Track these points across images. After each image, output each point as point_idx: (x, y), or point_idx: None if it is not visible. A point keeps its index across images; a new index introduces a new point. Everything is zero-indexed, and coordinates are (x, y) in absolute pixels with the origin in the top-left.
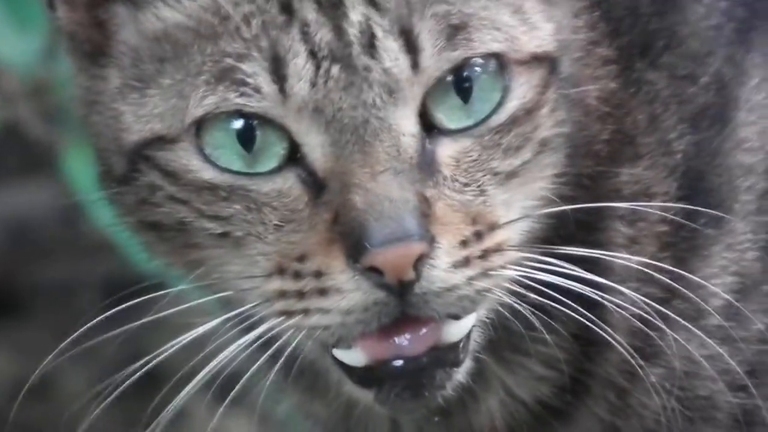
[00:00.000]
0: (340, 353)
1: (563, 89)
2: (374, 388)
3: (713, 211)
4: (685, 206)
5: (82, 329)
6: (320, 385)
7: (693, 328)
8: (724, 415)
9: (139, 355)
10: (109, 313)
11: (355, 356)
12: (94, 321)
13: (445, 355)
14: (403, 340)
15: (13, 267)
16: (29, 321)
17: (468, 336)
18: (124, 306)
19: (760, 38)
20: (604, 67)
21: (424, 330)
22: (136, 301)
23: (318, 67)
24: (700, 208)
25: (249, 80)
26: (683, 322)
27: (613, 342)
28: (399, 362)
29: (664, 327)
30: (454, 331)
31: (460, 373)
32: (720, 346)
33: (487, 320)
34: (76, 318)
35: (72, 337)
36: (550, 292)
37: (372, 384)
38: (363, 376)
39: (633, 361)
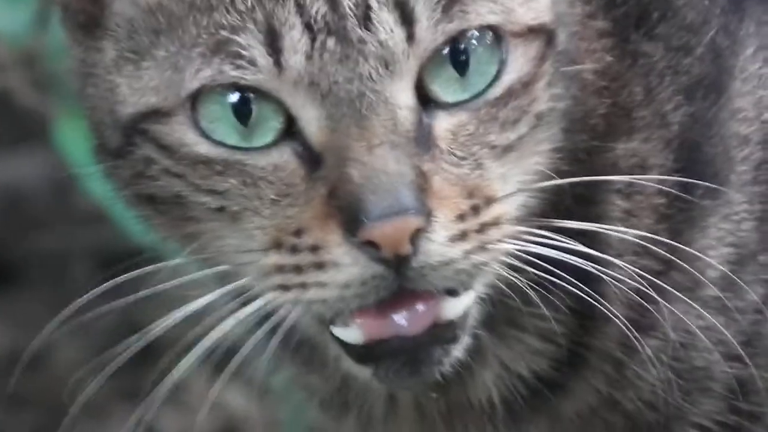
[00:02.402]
0: (338, 330)
1: (560, 64)
2: (372, 364)
3: (708, 183)
4: (681, 179)
5: (80, 301)
6: (317, 359)
7: (689, 300)
8: (720, 386)
9: (135, 327)
10: (106, 285)
11: (353, 334)
12: (92, 293)
13: (444, 333)
14: (401, 318)
15: (5, 237)
16: (22, 292)
17: (466, 313)
18: (121, 278)
19: (753, 7)
20: (600, 40)
21: (421, 307)
22: (133, 273)
23: (313, 40)
24: (695, 181)
25: (244, 53)
26: (680, 293)
27: (610, 315)
28: (397, 338)
29: (660, 299)
30: (453, 308)
31: (458, 350)
32: (716, 317)
33: (485, 296)
34: (69, 289)
35: (70, 309)
36: (548, 266)
37: (370, 361)
38: (361, 353)
39: (630, 334)
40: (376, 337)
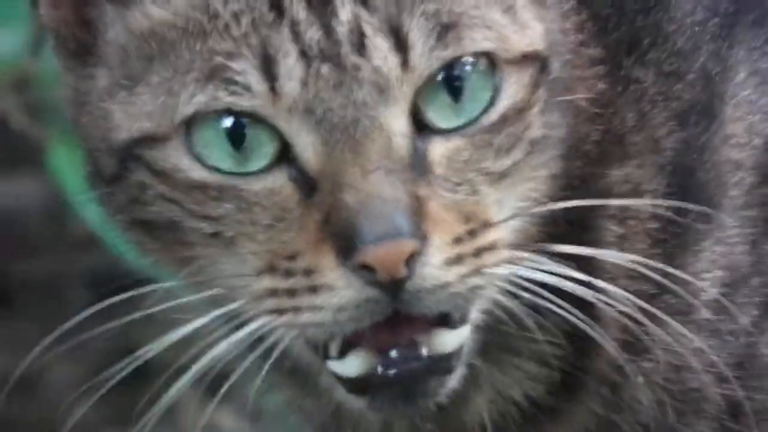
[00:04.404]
0: (332, 364)
1: (553, 92)
2: (367, 396)
3: (701, 207)
4: (675, 203)
5: (71, 324)
6: (312, 383)
7: (683, 323)
8: (714, 407)
9: (127, 351)
10: (98, 307)
11: (347, 367)
12: (84, 316)
13: (439, 364)
14: (397, 343)
15: None
16: (16, 316)
17: (462, 345)
18: (113, 301)
19: (743, 33)
20: (593, 67)
21: (417, 338)
22: (125, 296)
23: (308, 67)
24: (688, 205)
25: (239, 78)
26: (674, 316)
27: (602, 339)
28: (392, 371)
29: (654, 323)
30: (449, 341)
31: (453, 380)
32: (709, 340)
33: (481, 324)
34: (62, 313)
35: (60, 331)
36: (542, 291)
37: (365, 392)
38: (355, 384)
39: (621, 358)
40: (370, 367)
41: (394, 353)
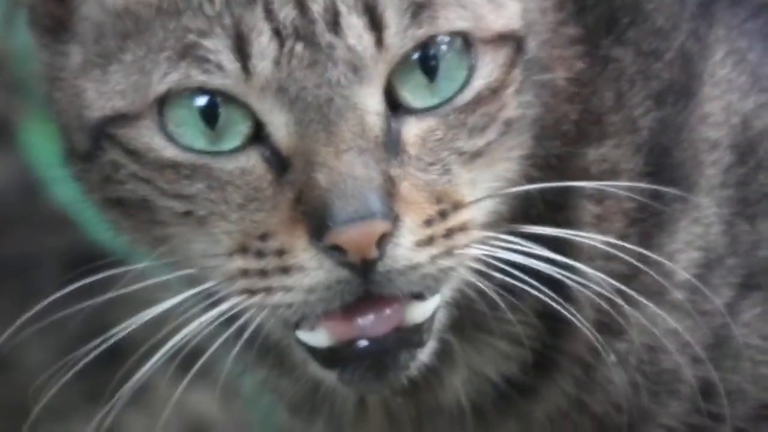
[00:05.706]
0: (303, 334)
1: (531, 73)
2: (338, 369)
3: (677, 190)
4: (651, 186)
5: (44, 303)
6: (287, 362)
7: (658, 303)
8: (688, 387)
9: (102, 330)
10: (72, 287)
11: (318, 337)
12: (58, 295)
13: (409, 336)
14: (366, 320)
15: None
16: None
17: (432, 317)
18: (87, 280)
19: (722, 12)
20: (572, 47)
21: (387, 311)
22: (100, 276)
23: (282, 46)
24: (665, 188)
25: (211, 57)
26: (649, 297)
27: (576, 321)
28: (363, 343)
29: (629, 303)
30: (418, 312)
31: (424, 354)
32: (684, 320)
33: (452, 300)
34: (35, 292)
35: (34, 310)
36: (515, 272)
37: (336, 365)
38: (327, 357)
39: (595, 340)
40: (341, 339)
41: (364, 324)
